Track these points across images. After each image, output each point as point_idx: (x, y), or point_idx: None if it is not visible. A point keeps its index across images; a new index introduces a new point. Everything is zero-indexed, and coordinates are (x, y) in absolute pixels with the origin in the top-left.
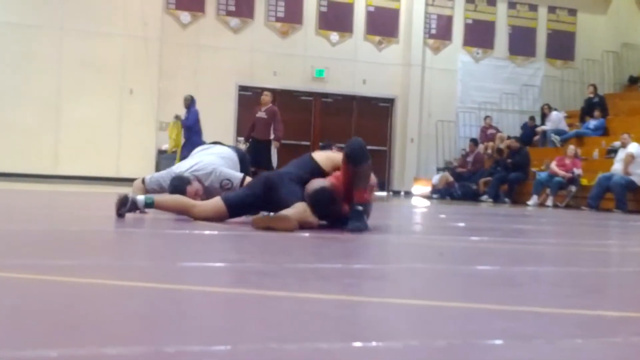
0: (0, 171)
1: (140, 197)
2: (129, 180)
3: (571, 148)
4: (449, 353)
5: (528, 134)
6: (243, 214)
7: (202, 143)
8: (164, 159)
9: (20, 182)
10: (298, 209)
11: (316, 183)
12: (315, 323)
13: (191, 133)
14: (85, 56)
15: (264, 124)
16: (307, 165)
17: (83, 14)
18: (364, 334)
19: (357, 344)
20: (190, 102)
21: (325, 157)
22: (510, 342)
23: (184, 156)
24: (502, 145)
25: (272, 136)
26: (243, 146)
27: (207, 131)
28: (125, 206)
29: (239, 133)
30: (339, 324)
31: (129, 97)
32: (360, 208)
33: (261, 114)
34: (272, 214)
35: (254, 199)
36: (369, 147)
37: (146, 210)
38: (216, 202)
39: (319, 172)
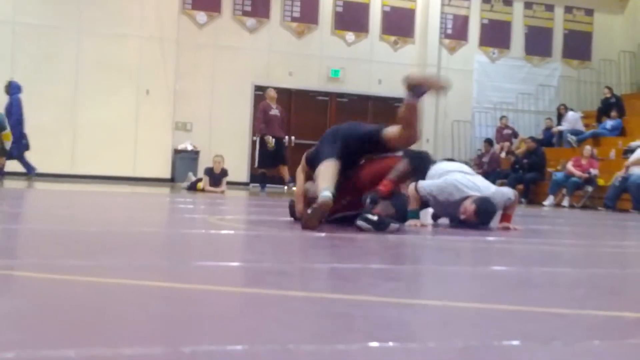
0: (18, 170)
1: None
2: (145, 180)
3: (587, 148)
4: (466, 354)
5: (548, 136)
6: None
7: (23, 134)
8: (180, 158)
9: (37, 182)
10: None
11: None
12: (332, 323)
13: (15, 123)
14: (102, 57)
15: (279, 121)
16: (372, 137)
17: (100, 15)
18: (381, 334)
19: (374, 344)
20: (9, 88)
21: (393, 133)
22: (528, 344)
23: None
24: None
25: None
26: (270, 145)
27: (223, 131)
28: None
29: (254, 133)
30: (355, 325)
31: (145, 98)
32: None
33: (275, 111)
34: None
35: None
36: None
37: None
38: (304, 167)
39: (378, 141)
